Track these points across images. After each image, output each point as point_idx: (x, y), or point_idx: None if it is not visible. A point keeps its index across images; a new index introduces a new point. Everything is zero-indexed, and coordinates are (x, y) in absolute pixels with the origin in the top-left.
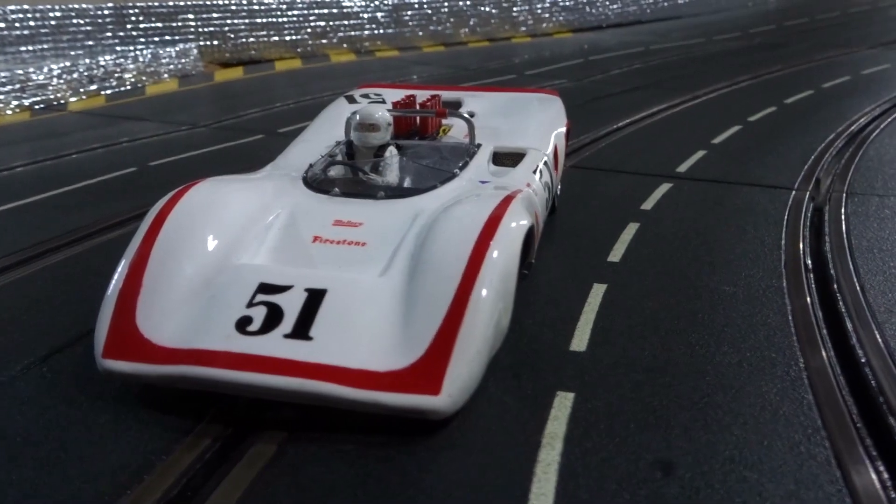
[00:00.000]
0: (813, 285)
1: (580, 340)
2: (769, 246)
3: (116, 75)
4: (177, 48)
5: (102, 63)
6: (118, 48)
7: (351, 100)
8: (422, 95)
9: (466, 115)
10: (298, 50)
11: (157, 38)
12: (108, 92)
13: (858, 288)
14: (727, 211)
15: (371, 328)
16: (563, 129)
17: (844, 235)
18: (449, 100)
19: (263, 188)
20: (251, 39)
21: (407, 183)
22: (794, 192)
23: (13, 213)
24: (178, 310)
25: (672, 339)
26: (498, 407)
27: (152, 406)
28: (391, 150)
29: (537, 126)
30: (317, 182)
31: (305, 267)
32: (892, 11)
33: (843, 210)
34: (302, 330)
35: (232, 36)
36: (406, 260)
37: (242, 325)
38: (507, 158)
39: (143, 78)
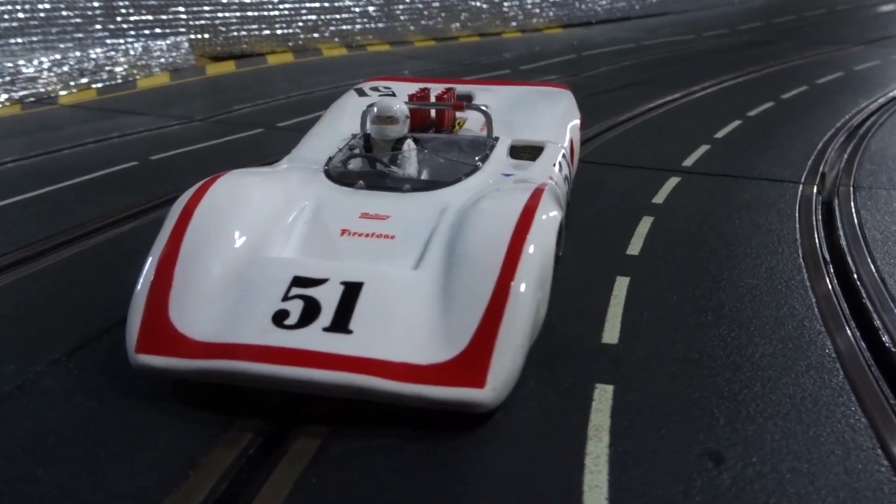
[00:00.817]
0: (833, 276)
1: (611, 333)
2: (785, 239)
3: (107, 68)
4: (168, 41)
5: (93, 56)
6: (108, 41)
7: (361, 93)
8: (435, 89)
9: (484, 108)
10: (290, 44)
11: (147, 32)
12: (99, 85)
13: (878, 278)
14: (738, 204)
15: (410, 321)
16: (577, 122)
17: (857, 228)
18: (460, 93)
19: (287, 181)
20: (243, 33)
21: (427, 176)
22: (801, 186)
23: (18, 207)
24: (211, 304)
25: (702, 331)
26: (538, 399)
27: (185, 402)
28: (409, 143)
29: (552, 119)
30: (340, 175)
31: (336, 260)
32: (877, 9)
33: (852, 203)
34: (341, 323)
35: (223, 29)
36: (439, 253)
37: (279, 318)
38: (525, 152)
39: (134, 71)
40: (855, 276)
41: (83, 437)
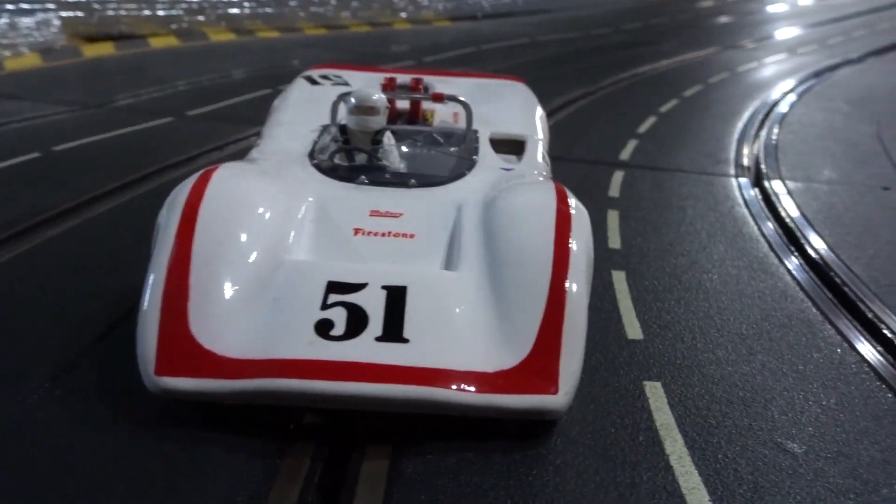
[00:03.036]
0: (797, 256)
1: (633, 329)
2: (742, 223)
3: None
4: (36, 18)
5: None
6: None
7: (312, 81)
8: (401, 79)
9: (464, 100)
10: (173, 27)
11: (11, 6)
12: None
13: (835, 256)
14: (689, 195)
15: (465, 326)
16: (544, 115)
17: (799, 212)
18: (403, 83)
19: (285, 177)
20: (121, 13)
21: (415, 170)
22: (736, 179)
23: None
24: (238, 315)
25: (715, 322)
26: (594, 401)
27: (218, 428)
28: (389, 136)
29: (522, 112)
30: (334, 170)
31: (357, 261)
32: (716, 20)
33: (788, 193)
34: (394, 331)
35: (98, 7)
36: (475, 252)
37: (323, 329)
38: (504, 145)
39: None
40: (815, 254)
41: (123, 473)
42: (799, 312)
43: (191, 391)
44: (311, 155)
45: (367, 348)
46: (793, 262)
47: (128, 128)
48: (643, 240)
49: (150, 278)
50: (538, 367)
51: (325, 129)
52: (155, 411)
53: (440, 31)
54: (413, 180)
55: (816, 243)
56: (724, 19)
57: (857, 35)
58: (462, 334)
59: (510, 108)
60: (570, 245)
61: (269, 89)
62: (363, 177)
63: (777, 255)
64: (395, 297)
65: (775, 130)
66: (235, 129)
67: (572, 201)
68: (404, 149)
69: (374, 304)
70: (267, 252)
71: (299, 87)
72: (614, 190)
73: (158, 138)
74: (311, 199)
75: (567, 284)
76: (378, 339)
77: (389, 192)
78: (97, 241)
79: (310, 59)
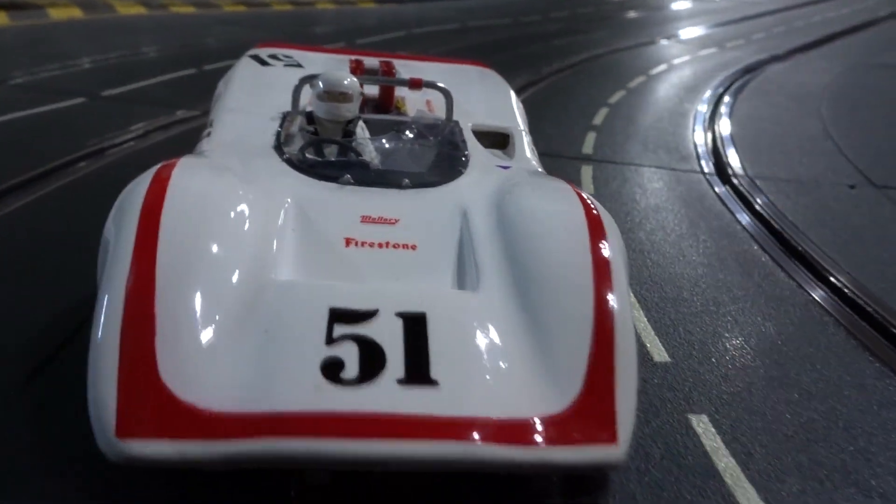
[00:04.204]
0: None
1: (657, 350)
2: (721, 217)
3: None
4: None
5: None
6: None
7: (260, 61)
8: (367, 61)
9: (444, 87)
10: None
11: None
12: None
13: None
14: (659, 190)
15: (500, 361)
16: (520, 103)
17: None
18: (373, 67)
19: (255, 175)
20: None
21: (389, 166)
22: (703, 175)
23: None
24: (220, 354)
25: (737, 338)
26: (641, 443)
27: (196, 496)
28: (362, 126)
29: (499, 100)
30: (314, 167)
31: (357, 280)
32: (627, 14)
33: (758, 188)
34: (419, 372)
35: None
36: (494, 267)
37: (332, 371)
38: (486, 138)
39: None
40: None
41: None
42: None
43: (165, 458)
44: (278, 147)
45: (388, 395)
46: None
47: (29, 109)
48: (635, 245)
49: (103, 307)
50: (592, 410)
51: (286, 116)
52: (111, 480)
53: (365, 13)
54: (406, 180)
55: (812, 251)
56: (632, 14)
57: (777, 31)
58: (497, 372)
59: (485, 96)
60: (608, 255)
61: (193, 68)
62: (348, 175)
63: (780, 267)
64: (414, 328)
65: (728, 124)
66: (157, 113)
67: (596, 203)
68: (385, 143)
69: (389, 336)
70: (249, 269)
71: (247, 68)
72: (587, 186)
73: (68, 121)
74: (288, 201)
75: (613, 304)
76: (401, 381)
77: (380, 194)
78: None
79: (228, 39)
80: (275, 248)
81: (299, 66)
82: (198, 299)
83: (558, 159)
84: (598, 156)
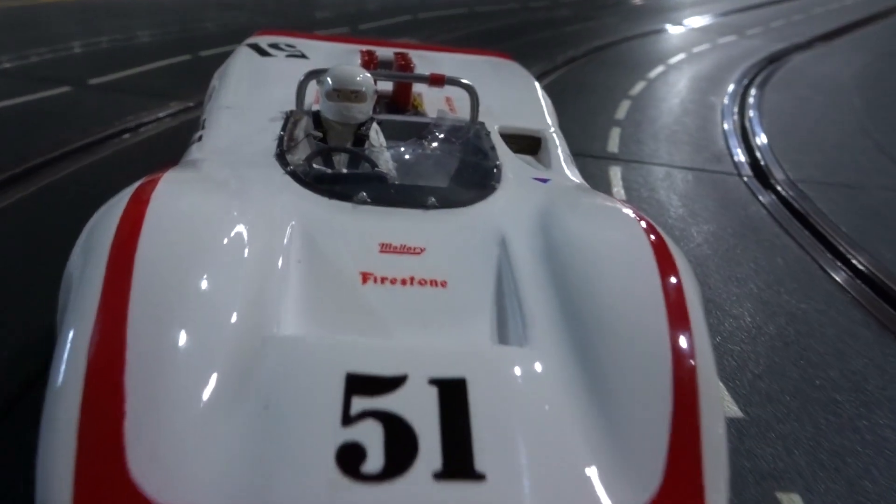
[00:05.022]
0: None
1: (725, 402)
2: (768, 228)
3: None
4: None
5: None
6: None
7: (261, 51)
8: (380, 52)
9: (469, 84)
10: None
11: None
12: None
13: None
14: (697, 195)
15: (561, 443)
16: (548, 98)
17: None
18: (387, 59)
19: (253, 191)
20: None
21: (409, 179)
22: (741, 178)
23: None
24: (208, 438)
25: (805, 374)
26: None
27: None
28: (376, 130)
29: (526, 97)
30: (323, 181)
31: (378, 330)
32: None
33: (803, 194)
34: (461, 462)
35: None
36: (544, 313)
37: (350, 460)
38: (515, 142)
39: None
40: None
41: None
42: None
43: None
44: (281, 157)
45: (423, 494)
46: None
47: (10, 99)
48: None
49: (60, 371)
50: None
51: (290, 117)
52: None
53: None
54: (432, 198)
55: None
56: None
57: (796, 19)
58: (557, 459)
59: (511, 92)
60: (683, 296)
61: (188, 55)
62: (363, 192)
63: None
64: (452, 399)
65: (757, 119)
66: (149, 105)
67: (658, 228)
68: (404, 151)
69: (421, 411)
70: (246, 321)
71: (246, 59)
72: (616, 187)
73: (51, 113)
74: (293, 224)
75: (694, 359)
76: (438, 475)
77: (401, 216)
78: None
79: (228, 23)
80: (277, 288)
81: (303, 56)
82: (180, 366)
83: (584, 158)
84: (625, 154)
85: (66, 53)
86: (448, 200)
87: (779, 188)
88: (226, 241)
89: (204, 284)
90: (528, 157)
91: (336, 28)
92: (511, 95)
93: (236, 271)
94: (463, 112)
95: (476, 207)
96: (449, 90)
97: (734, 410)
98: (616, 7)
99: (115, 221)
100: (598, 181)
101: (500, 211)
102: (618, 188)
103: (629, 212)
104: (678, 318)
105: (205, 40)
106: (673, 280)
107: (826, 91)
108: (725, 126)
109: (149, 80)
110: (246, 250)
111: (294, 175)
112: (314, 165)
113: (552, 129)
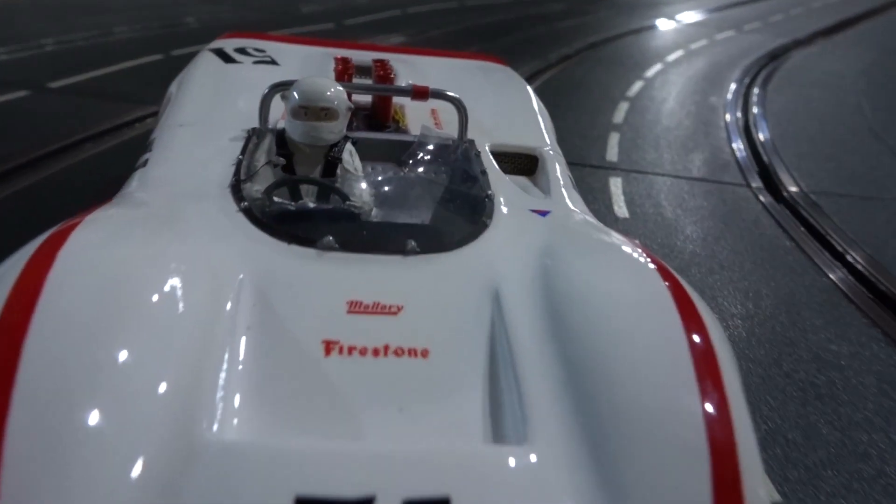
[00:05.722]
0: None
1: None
2: (783, 248)
3: None
4: None
5: None
6: None
7: (224, 56)
8: (357, 57)
9: (456, 97)
10: None
11: None
12: None
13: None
14: (706, 211)
15: None
16: (544, 108)
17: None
18: (364, 65)
19: (194, 238)
20: None
21: (391, 215)
22: (750, 190)
23: None
24: None
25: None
26: None
27: None
28: (350, 150)
29: (519, 108)
30: (282, 221)
31: (335, 424)
32: None
33: (819, 209)
34: None
35: None
36: (549, 397)
37: None
38: (507, 161)
39: None
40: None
41: None
42: None
43: None
44: (236, 188)
45: None
46: None
47: None
48: (707, 290)
49: None
50: None
51: (251, 136)
52: None
53: None
54: (412, 241)
55: None
56: None
57: (795, 13)
58: None
59: (503, 103)
60: (717, 364)
61: (160, 54)
62: (330, 237)
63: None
64: None
65: (763, 122)
66: (111, 112)
67: (676, 274)
68: (382, 180)
69: None
70: (171, 420)
71: (207, 66)
72: (620, 207)
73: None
74: (242, 277)
75: (738, 457)
76: None
77: (375, 265)
78: None
79: (210, 19)
80: (217, 366)
81: (274, 63)
82: (76, 488)
83: (581, 168)
84: (626, 163)
85: (28, 53)
86: (431, 243)
87: (790, 200)
88: (153, 305)
89: (118, 364)
90: (523, 180)
91: (321, 24)
92: (504, 107)
93: (164, 345)
94: (450, 125)
95: (465, 251)
96: (435, 100)
97: (775, 497)
98: (611, 0)
99: (8, 285)
100: (598, 194)
101: (492, 255)
102: (620, 206)
103: (641, 254)
104: (713, 397)
105: (181, 37)
106: (698, 336)
107: (832, 91)
108: (728, 129)
109: (115, 82)
110: (179, 317)
111: (248, 213)
112: (275, 199)
113: (549, 148)
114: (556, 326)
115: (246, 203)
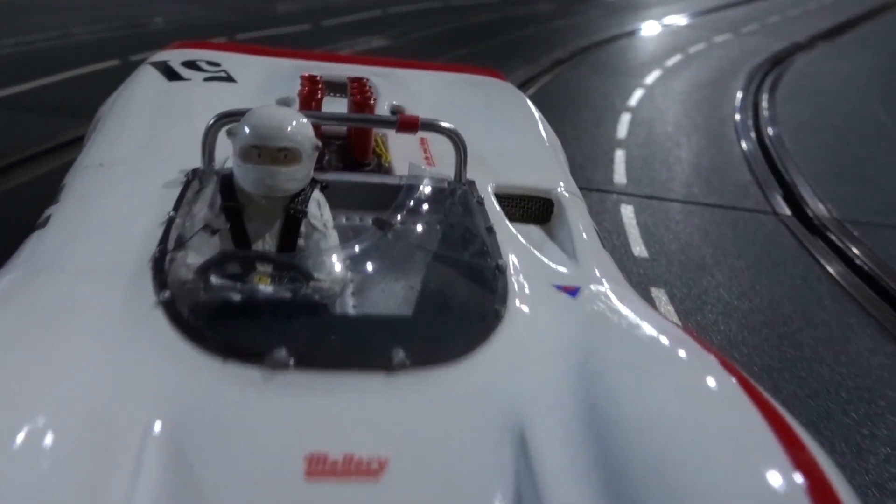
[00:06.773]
0: None
1: None
2: (825, 290)
3: None
4: None
5: None
6: None
7: (169, 73)
8: (324, 71)
9: (452, 129)
10: None
11: None
12: None
13: None
14: (732, 246)
15: None
16: (551, 130)
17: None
18: (329, 80)
19: (87, 358)
20: None
21: (367, 300)
22: (777, 217)
23: None
24: None
25: None
26: None
27: None
28: (319, 201)
29: (528, 137)
30: (215, 323)
31: None
32: None
33: (859, 242)
34: None
35: None
36: None
37: None
38: (515, 206)
39: None
40: None
41: None
42: None
43: None
44: (159, 264)
45: None
46: None
47: None
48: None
49: None
50: None
51: (190, 181)
52: None
53: None
54: (401, 350)
55: None
56: None
57: (792, 14)
58: None
59: (507, 129)
60: None
61: (116, 60)
62: (284, 349)
63: None
64: None
65: (778, 137)
66: (54, 128)
67: (763, 392)
68: (360, 252)
69: None
70: None
71: (145, 85)
72: (636, 244)
73: None
74: (157, 425)
75: None
76: None
77: (347, 392)
78: None
79: (178, 19)
80: None
81: (229, 79)
82: None
83: (589, 194)
84: (636, 187)
85: None
86: (427, 351)
87: (825, 232)
88: (16, 475)
89: None
90: (537, 232)
91: (297, 25)
92: (507, 135)
93: None
94: (443, 158)
95: (473, 363)
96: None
97: None
98: (600, 1)
99: None
100: (609, 225)
101: (512, 368)
102: (637, 241)
103: (713, 362)
104: None
105: (144, 39)
106: (807, 477)
107: (845, 100)
108: (744, 146)
109: (59, 93)
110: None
111: (170, 308)
112: (212, 280)
113: (564, 188)
114: (615, 481)
115: (168, 293)
